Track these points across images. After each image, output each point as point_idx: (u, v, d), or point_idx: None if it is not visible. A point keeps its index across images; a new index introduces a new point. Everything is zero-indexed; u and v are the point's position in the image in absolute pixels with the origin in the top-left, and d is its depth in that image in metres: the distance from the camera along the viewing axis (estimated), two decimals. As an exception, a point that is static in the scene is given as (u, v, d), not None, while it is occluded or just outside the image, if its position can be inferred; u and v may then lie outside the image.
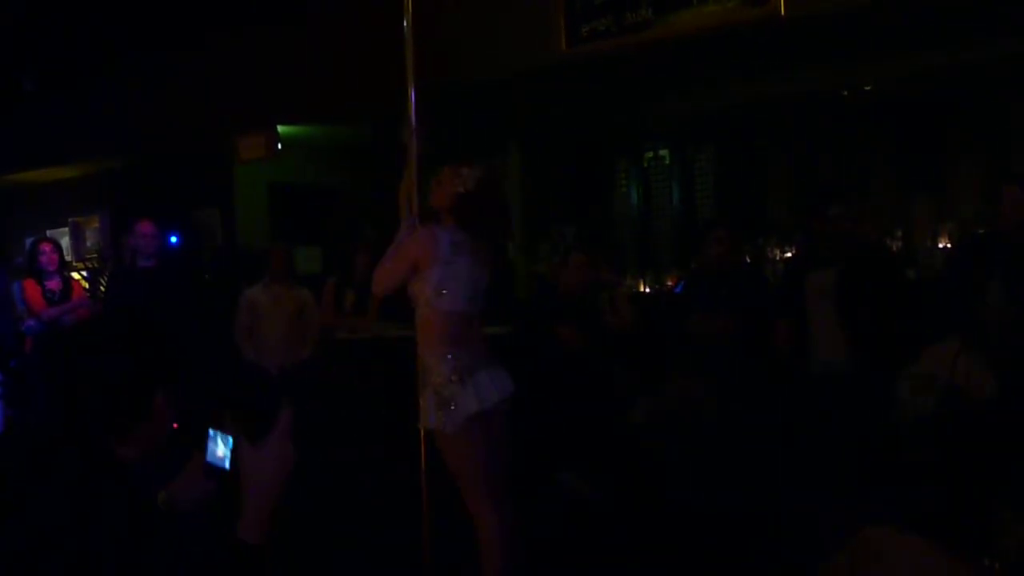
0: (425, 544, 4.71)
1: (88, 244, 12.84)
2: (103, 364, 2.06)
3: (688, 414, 6.05)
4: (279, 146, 9.81)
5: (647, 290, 9.34)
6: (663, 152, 10.77)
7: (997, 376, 5.04)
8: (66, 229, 12.92)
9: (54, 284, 7.74)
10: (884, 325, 5.67)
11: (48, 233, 11.90)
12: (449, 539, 4.58)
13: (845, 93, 8.97)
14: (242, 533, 2.07)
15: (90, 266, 11.88)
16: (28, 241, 8.59)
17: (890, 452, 5.23)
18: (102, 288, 9.35)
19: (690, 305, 6.61)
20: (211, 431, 2.26)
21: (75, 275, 9.61)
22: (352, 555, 5.52)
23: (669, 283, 9.18)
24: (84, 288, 8.81)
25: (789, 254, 8.66)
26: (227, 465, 2.22)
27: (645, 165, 10.86)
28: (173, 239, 10.32)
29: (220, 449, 2.25)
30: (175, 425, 2.24)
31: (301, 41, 9.47)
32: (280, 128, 9.82)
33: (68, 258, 11.83)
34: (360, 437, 7.36)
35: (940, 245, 8.12)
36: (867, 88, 8.85)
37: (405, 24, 4.88)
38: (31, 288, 7.64)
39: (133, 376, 2.05)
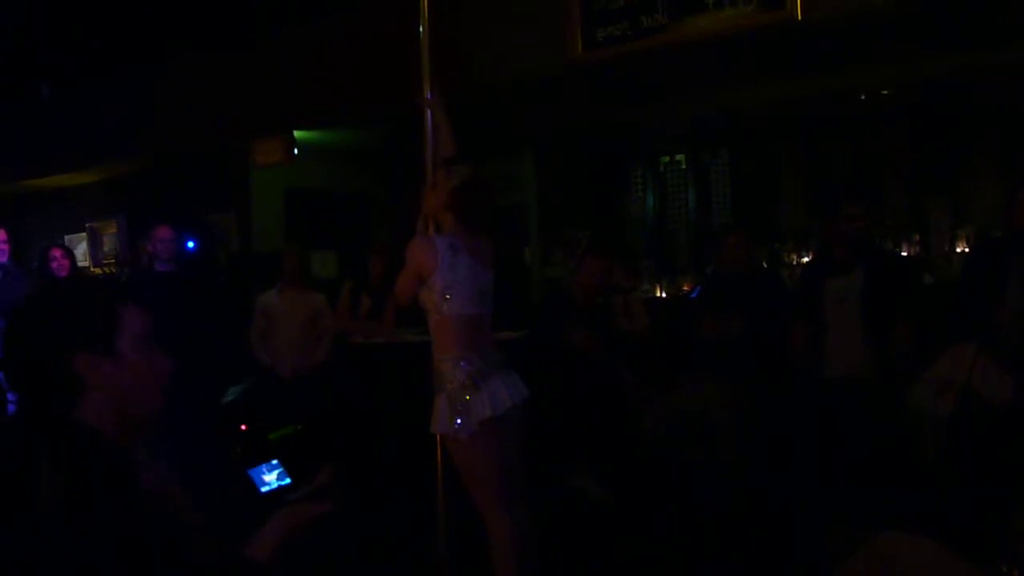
0: (442, 546, 4.72)
1: (106, 249, 12.89)
2: (16, 331, 2.10)
3: (703, 418, 6.04)
4: (295, 151, 9.85)
5: (663, 295, 9.33)
6: (679, 156, 10.76)
7: (1015, 379, 5.02)
8: (84, 234, 12.98)
9: (67, 289, 7.78)
10: (909, 331, 5.65)
11: (66, 238, 11.97)
12: (465, 541, 4.58)
13: (862, 97, 8.95)
14: (250, 550, 2.10)
15: (107, 271, 11.92)
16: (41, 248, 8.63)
17: (907, 456, 5.21)
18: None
19: (705, 309, 6.60)
20: (276, 461, 2.26)
21: (92, 280, 9.63)
22: (369, 557, 5.53)
23: (685, 288, 9.17)
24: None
25: (806, 258, 8.65)
26: (262, 490, 2.22)
27: (661, 169, 10.85)
28: (190, 244, 10.35)
29: (269, 476, 2.25)
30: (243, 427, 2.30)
31: (317, 46, 9.49)
32: (297, 133, 9.85)
33: (86, 263, 11.90)
34: (376, 441, 7.38)
35: (958, 249, 8.09)
36: (884, 92, 8.83)
37: (421, 29, 4.90)
38: (44, 294, 7.67)
39: (38, 340, 2.08)
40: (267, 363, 7.86)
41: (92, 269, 12.19)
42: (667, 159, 10.80)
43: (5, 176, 12.65)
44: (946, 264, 8.10)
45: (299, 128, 9.85)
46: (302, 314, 7.94)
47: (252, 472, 2.24)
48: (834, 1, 6.45)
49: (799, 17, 6.39)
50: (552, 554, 4.82)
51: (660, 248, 10.74)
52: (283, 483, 2.23)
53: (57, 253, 7.89)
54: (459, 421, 4.14)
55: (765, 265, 8.76)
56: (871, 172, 9.33)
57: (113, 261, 12.34)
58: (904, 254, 8.28)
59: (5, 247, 7.64)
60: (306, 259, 8.38)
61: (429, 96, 4.86)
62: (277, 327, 7.91)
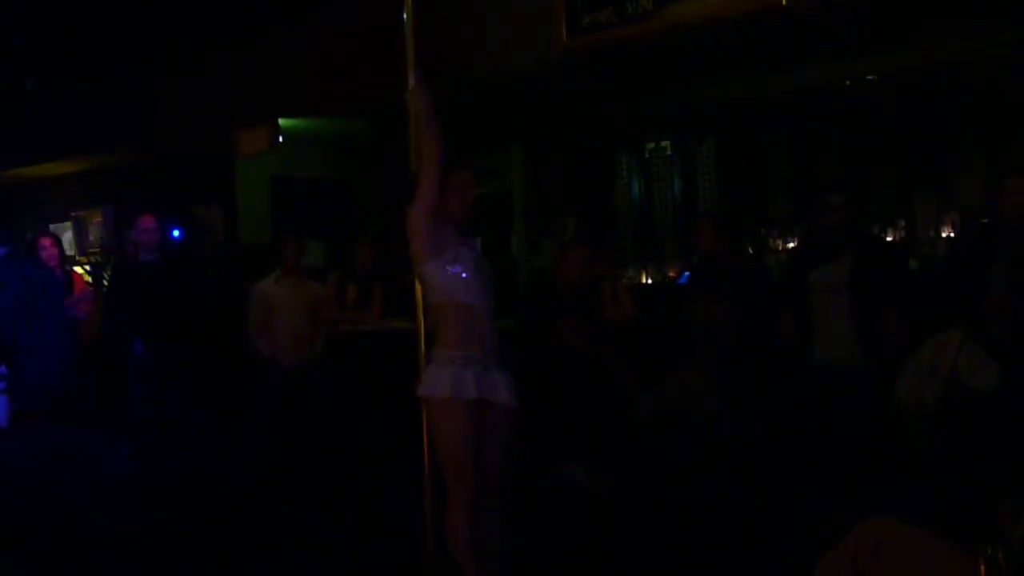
0: (428, 536, 4.72)
1: (91, 238, 12.84)
2: None
3: (691, 407, 6.04)
4: (280, 139, 9.81)
5: (649, 281, 9.33)
6: (664, 143, 10.75)
7: (1000, 367, 5.03)
8: (69, 224, 12.93)
9: (56, 279, 7.73)
10: (897, 318, 5.66)
11: (51, 227, 11.91)
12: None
13: (848, 83, 8.96)
14: None
15: (93, 260, 11.86)
16: (28, 237, 8.58)
17: (894, 443, 5.23)
18: (105, 282, 9.34)
19: (693, 295, 6.61)
20: None
21: (78, 269, 9.60)
22: (355, 547, 5.54)
23: (671, 274, 9.17)
24: (87, 282, 8.79)
25: (792, 245, 8.66)
26: None
27: (646, 156, 10.84)
28: (175, 233, 10.31)
29: None
30: None
31: (302, 34, 9.45)
32: (281, 121, 9.81)
33: (71, 252, 11.83)
34: (367, 427, 7.39)
35: (943, 235, 8.12)
36: (869, 78, 8.84)
37: (405, 17, 4.88)
38: (33, 283, 7.62)
39: None
40: (267, 353, 7.84)
41: (78, 258, 12.14)
42: (652, 146, 10.79)
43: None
44: (932, 250, 8.12)
45: (284, 116, 9.82)
46: (302, 303, 7.91)
47: None
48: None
49: (783, 2, 6.38)
50: (543, 543, 4.83)
51: (646, 235, 10.74)
52: None
53: (47, 242, 7.83)
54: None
55: (751, 252, 8.77)
56: (857, 158, 9.34)
57: (99, 251, 12.29)
58: (890, 240, 8.30)
59: None
60: (303, 248, 8.36)
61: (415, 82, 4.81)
62: (278, 317, 7.88)
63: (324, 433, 7.54)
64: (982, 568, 2.95)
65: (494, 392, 4.27)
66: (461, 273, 4.27)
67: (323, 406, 7.70)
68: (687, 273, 7.54)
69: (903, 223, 8.50)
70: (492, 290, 4.45)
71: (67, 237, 12.37)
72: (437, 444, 4.35)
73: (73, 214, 12.97)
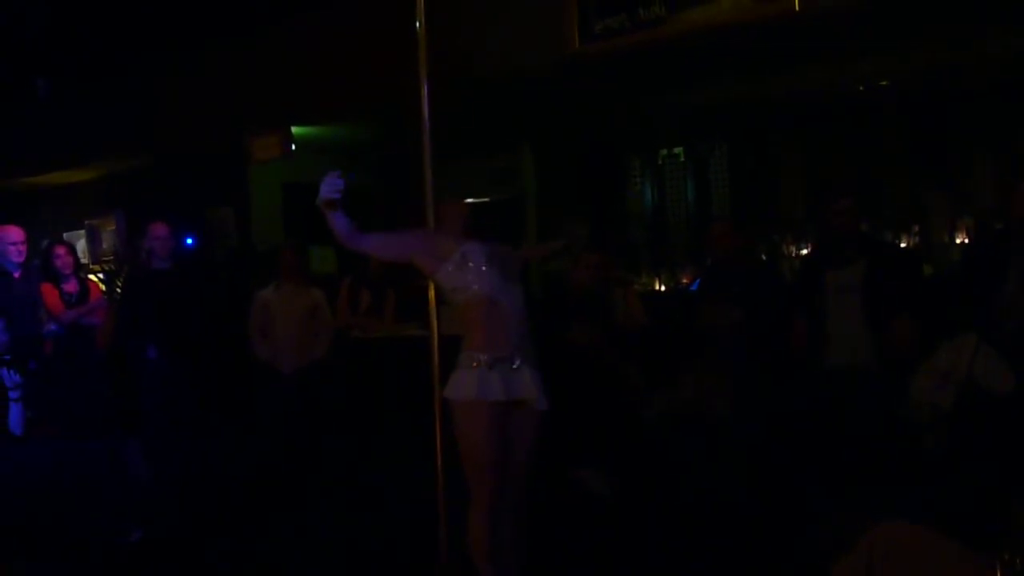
0: (442, 543, 4.72)
1: (104, 246, 12.89)
2: None
3: (702, 410, 6.04)
4: (293, 146, 9.83)
5: (662, 288, 9.32)
6: (677, 150, 10.75)
7: (1015, 370, 5.02)
8: (82, 231, 12.98)
9: (71, 287, 7.76)
10: (909, 322, 5.65)
11: (65, 235, 11.96)
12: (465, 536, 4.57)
13: (861, 88, 8.94)
14: None
15: (106, 268, 11.92)
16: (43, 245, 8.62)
17: (906, 446, 5.21)
18: (118, 289, 9.38)
19: (703, 299, 6.61)
20: None
21: (92, 277, 9.65)
22: (368, 554, 5.54)
23: (685, 280, 9.16)
24: (101, 290, 8.83)
25: (805, 251, 8.64)
26: None
27: (660, 162, 10.84)
28: (188, 240, 10.34)
29: None
30: None
31: (315, 41, 9.48)
32: (294, 128, 9.83)
33: (84, 260, 11.88)
34: (375, 435, 7.38)
35: (957, 240, 8.09)
36: (883, 83, 8.82)
37: (418, 23, 4.89)
38: (48, 291, 7.65)
39: None
40: (264, 357, 7.85)
41: (92, 266, 12.19)
42: (665, 152, 10.79)
43: (4, 173, 12.66)
44: (946, 255, 8.09)
45: (297, 123, 9.84)
46: (300, 310, 7.91)
47: None
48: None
49: (796, 8, 6.38)
50: (553, 546, 4.83)
51: (659, 241, 10.74)
52: None
53: (61, 251, 7.86)
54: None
55: (764, 258, 8.75)
56: (870, 163, 9.32)
57: (112, 259, 12.34)
58: (904, 245, 8.27)
59: (23, 247, 7.63)
60: (305, 255, 8.35)
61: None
62: (276, 323, 7.89)
63: (329, 438, 7.54)
64: (999, 573, 2.94)
65: (522, 392, 4.20)
66: (468, 272, 4.24)
67: (327, 411, 7.70)
68: (699, 280, 7.54)
69: (917, 228, 8.47)
70: (517, 282, 4.36)
71: (80, 245, 12.43)
72: (461, 447, 4.26)
73: (87, 222, 13.02)
